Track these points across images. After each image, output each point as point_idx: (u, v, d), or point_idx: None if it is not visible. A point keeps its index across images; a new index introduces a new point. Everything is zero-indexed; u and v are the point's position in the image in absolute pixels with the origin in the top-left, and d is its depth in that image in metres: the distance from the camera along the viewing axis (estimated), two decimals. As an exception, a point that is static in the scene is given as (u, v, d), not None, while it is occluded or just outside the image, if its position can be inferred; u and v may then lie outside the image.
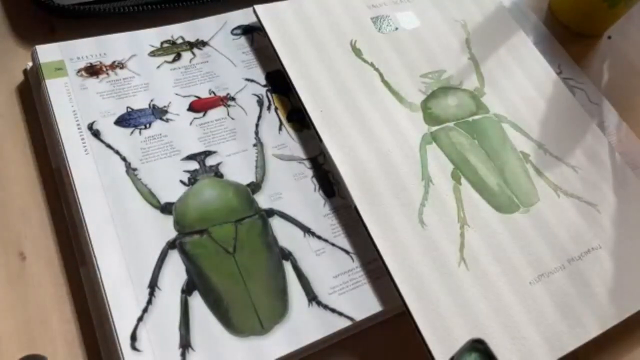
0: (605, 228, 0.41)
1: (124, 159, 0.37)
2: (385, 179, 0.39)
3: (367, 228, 0.37)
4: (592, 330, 0.37)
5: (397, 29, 0.47)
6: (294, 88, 0.41)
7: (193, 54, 0.43)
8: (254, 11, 0.44)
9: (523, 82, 0.48)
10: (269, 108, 0.42)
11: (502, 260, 0.38)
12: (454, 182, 0.40)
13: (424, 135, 0.42)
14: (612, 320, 0.38)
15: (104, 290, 0.32)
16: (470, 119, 0.44)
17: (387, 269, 0.36)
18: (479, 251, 0.38)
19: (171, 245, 0.35)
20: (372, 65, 0.44)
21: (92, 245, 0.34)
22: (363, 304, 0.36)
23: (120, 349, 0.31)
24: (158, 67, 0.42)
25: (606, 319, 0.37)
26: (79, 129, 0.38)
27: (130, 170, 0.37)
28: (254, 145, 0.40)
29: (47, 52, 0.40)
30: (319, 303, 0.35)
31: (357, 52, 0.45)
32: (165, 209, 0.36)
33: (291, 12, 0.45)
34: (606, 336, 0.37)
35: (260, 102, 0.42)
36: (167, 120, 0.40)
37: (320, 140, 0.40)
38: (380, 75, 0.44)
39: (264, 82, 0.43)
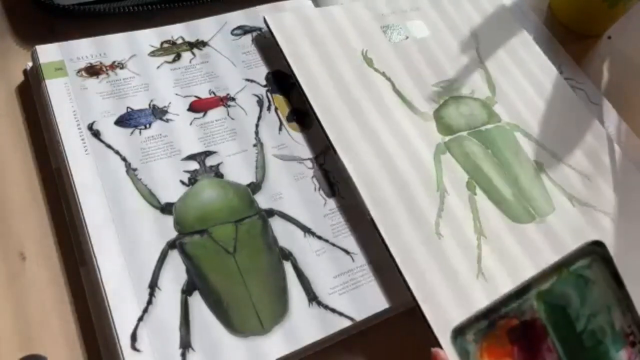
0: (619, 236, 0.41)
1: (124, 159, 0.37)
2: (401, 190, 0.39)
3: (383, 240, 0.36)
4: None
5: (407, 38, 0.47)
6: (307, 99, 0.41)
7: (193, 54, 0.43)
8: (265, 21, 0.44)
9: (534, 90, 0.48)
10: (269, 108, 0.42)
11: (519, 271, 0.37)
12: (469, 193, 0.40)
13: (437, 145, 0.42)
14: None
15: (104, 290, 0.32)
16: (482, 128, 0.44)
17: (406, 282, 0.35)
18: (496, 262, 0.37)
19: (171, 245, 0.35)
20: (383, 74, 0.44)
21: (92, 245, 0.34)
22: (363, 304, 0.36)
23: (120, 349, 0.31)
24: (158, 67, 0.42)
25: None
26: (79, 129, 0.38)
27: (130, 170, 0.37)
28: (254, 145, 0.40)
29: (47, 52, 0.40)
30: (319, 303, 0.35)
31: (369, 62, 0.45)
32: (165, 209, 0.36)
33: (302, 21, 0.45)
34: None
35: (260, 103, 0.42)
36: (167, 121, 0.40)
37: (335, 152, 0.39)
38: (392, 84, 0.44)
39: (264, 82, 0.43)
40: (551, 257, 0.38)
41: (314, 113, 0.41)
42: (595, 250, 0.28)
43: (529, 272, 0.37)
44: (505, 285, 0.36)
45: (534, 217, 0.41)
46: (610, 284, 0.28)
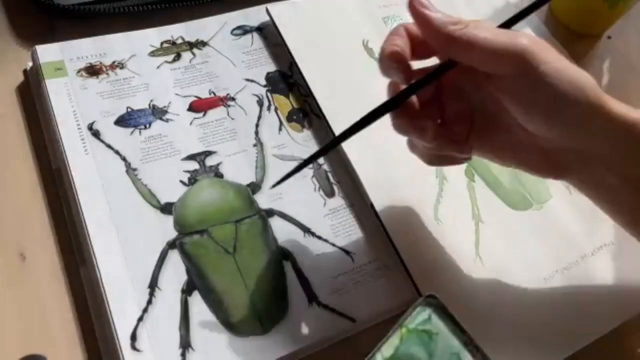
0: (617, 224, 0.41)
1: (124, 159, 0.37)
2: (400, 176, 0.39)
3: (383, 225, 0.37)
4: (608, 324, 0.37)
5: None
6: (309, 87, 0.42)
7: (193, 54, 0.43)
8: (267, 11, 0.44)
9: None
10: (269, 108, 0.42)
11: (516, 256, 0.38)
12: (467, 180, 0.41)
13: None
14: (626, 314, 0.38)
15: (104, 290, 0.32)
16: None
17: (404, 265, 0.36)
18: (493, 247, 0.38)
19: (171, 245, 0.35)
20: None
21: (92, 245, 0.34)
22: (363, 304, 0.36)
23: (120, 349, 0.31)
24: (158, 67, 0.42)
25: (620, 313, 0.38)
26: (79, 129, 0.38)
27: (130, 170, 0.37)
28: (254, 145, 0.40)
29: (47, 52, 0.40)
30: (319, 303, 0.35)
31: (370, 52, 0.45)
32: (165, 209, 0.36)
33: (304, 11, 0.45)
34: (606, 337, 0.37)
35: (260, 102, 0.42)
36: (167, 121, 0.40)
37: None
38: None
39: (264, 82, 0.43)
40: (550, 242, 0.39)
41: (315, 101, 0.41)
42: (431, 303, 0.29)
43: (528, 255, 0.38)
44: (501, 270, 0.37)
45: (531, 204, 0.41)
46: (453, 330, 0.29)
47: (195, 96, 0.41)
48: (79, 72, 0.40)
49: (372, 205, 0.38)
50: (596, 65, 0.55)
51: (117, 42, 0.42)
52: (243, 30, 0.46)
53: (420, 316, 0.29)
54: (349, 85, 0.43)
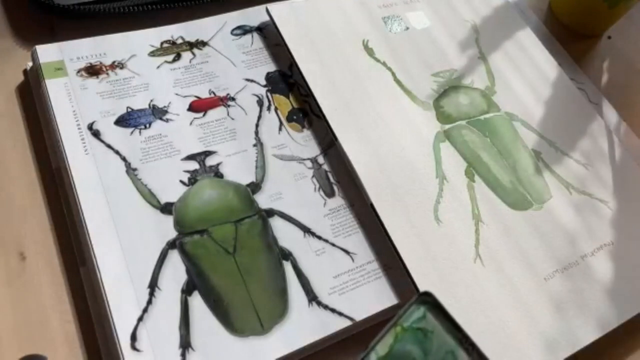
0: (617, 224, 0.42)
1: (124, 159, 0.37)
2: (400, 176, 0.39)
3: (383, 225, 0.37)
4: (608, 324, 0.37)
5: (407, 28, 0.48)
6: (309, 87, 0.42)
7: (193, 54, 0.43)
8: (267, 11, 0.44)
9: (533, 80, 0.48)
10: (269, 108, 0.42)
11: (516, 256, 0.38)
12: (467, 180, 0.41)
13: (437, 134, 0.43)
14: (626, 314, 0.38)
15: (104, 290, 0.32)
16: (482, 117, 0.45)
17: (404, 265, 0.36)
18: (494, 247, 0.38)
19: (171, 245, 0.35)
20: (384, 64, 0.45)
21: (92, 245, 0.34)
22: (363, 304, 0.36)
23: (120, 349, 0.31)
24: (158, 67, 0.42)
25: (620, 313, 0.38)
26: (79, 129, 0.38)
27: (130, 170, 0.37)
28: (254, 145, 0.40)
29: (47, 52, 0.40)
30: (319, 303, 0.35)
31: (370, 52, 0.45)
32: (165, 209, 0.36)
33: (304, 11, 0.45)
34: (606, 337, 0.37)
35: (260, 102, 0.42)
36: (167, 121, 0.40)
37: (336, 138, 0.40)
38: (393, 74, 0.45)
39: (264, 82, 0.43)
40: (550, 242, 0.39)
41: (315, 101, 0.41)
42: (426, 301, 0.29)
43: (528, 255, 0.39)
44: (501, 270, 0.37)
45: (532, 204, 0.41)
46: (448, 328, 0.28)
47: (195, 96, 0.41)
48: (79, 72, 0.40)
49: (372, 205, 0.38)
50: (596, 65, 0.55)
51: (117, 42, 0.42)
52: (243, 30, 0.46)
53: (415, 314, 0.29)
54: (349, 85, 0.43)
